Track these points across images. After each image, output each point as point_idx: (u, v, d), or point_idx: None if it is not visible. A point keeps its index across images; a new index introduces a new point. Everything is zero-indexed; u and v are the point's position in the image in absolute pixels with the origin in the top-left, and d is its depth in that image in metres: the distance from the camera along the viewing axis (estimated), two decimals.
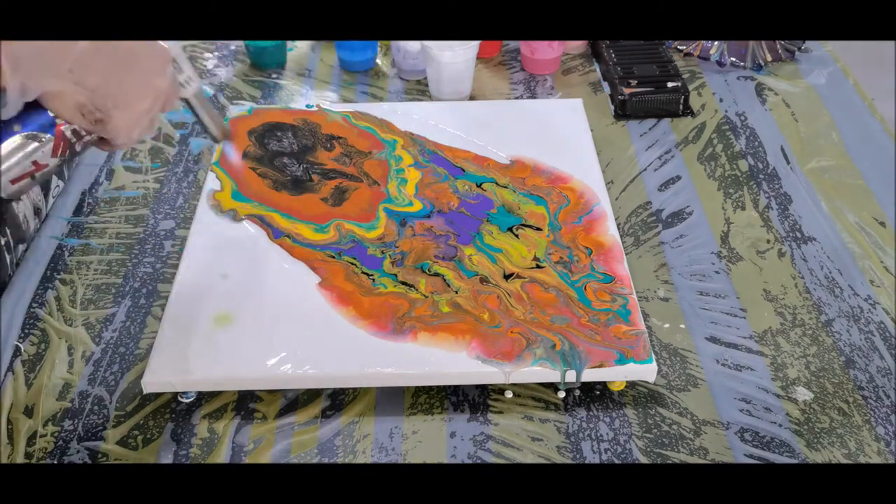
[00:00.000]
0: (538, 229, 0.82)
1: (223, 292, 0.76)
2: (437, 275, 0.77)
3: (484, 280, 0.77)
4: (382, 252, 0.79)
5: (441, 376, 0.70)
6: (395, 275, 0.77)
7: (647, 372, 0.70)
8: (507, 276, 0.77)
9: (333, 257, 0.79)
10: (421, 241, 0.81)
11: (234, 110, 0.98)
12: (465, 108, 1.00)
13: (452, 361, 0.70)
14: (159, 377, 0.69)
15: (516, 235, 0.81)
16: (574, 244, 0.80)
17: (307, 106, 0.99)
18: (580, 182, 0.88)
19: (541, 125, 0.96)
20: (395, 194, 0.86)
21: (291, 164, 0.90)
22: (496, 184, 0.88)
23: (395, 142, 0.93)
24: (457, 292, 0.75)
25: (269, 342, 0.71)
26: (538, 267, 0.78)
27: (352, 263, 0.78)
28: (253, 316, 0.73)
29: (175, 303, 0.75)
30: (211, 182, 0.88)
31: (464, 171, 0.89)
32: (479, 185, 0.87)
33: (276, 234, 0.82)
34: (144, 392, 0.70)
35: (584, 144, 0.93)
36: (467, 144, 0.93)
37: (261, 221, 0.83)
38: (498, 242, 0.81)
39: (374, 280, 0.77)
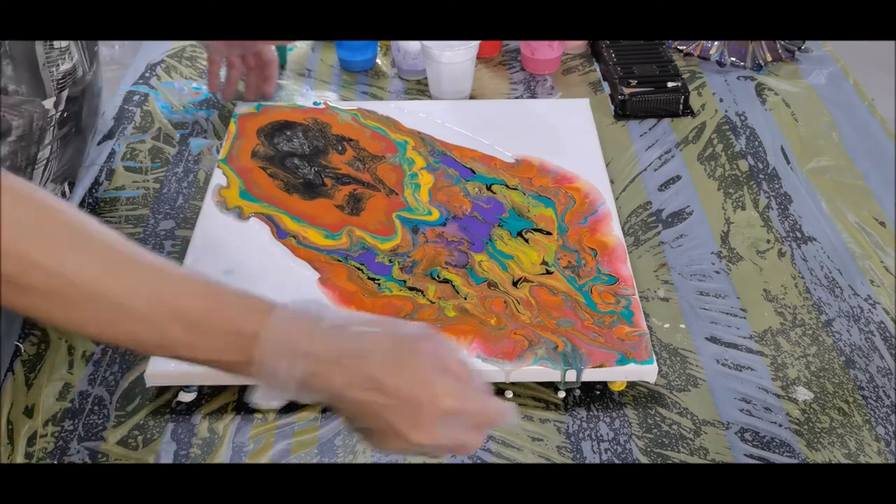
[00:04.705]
0: (548, 233, 0.82)
1: None
2: (446, 281, 0.76)
3: (492, 285, 0.76)
4: (391, 261, 0.78)
5: None
6: (405, 281, 0.76)
7: (647, 373, 0.70)
8: (515, 283, 0.76)
9: (340, 261, 0.78)
10: (433, 248, 0.80)
11: (242, 107, 0.98)
12: (470, 108, 1.00)
13: None
14: (163, 370, 0.69)
15: (526, 240, 0.81)
16: (580, 246, 0.80)
17: (314, 103, 0.99)
18: (586, 182, 0.87)
19: (547, 125, 0.96)
20: (412, 203, 0.85)
21: (303, 165, 0.89)
22: (506, 186, 0.87)
23: (405, 143, 0.92)
24: (465, 298, 0.75)
25: None
26: (547, 273, 0.77)
27: (358, 269, 0.77)
28: None
29: None
30: (218, 178, 0.88)
31: (473, 171, 0.89)
32: (488, 188, 0.87)
33: (281, 234, 0.81)
34: (147, 385, 0.70)
35: (591, 144, 0.93)
36: (473, 143, 0.93)
37: (268, 220, 0.82)
38: (509, 248, 0.80)
39: (379, 284, 0.76)
